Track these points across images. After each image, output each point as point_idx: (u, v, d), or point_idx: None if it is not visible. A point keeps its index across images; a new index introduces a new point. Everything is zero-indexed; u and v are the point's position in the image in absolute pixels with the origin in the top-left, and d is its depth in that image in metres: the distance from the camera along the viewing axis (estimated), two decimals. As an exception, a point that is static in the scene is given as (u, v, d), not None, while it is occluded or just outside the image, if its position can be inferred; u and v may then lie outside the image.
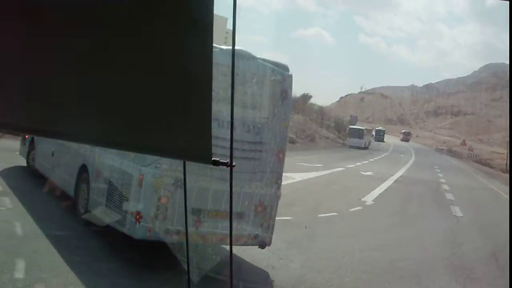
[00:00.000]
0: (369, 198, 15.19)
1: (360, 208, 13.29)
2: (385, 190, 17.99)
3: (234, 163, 1.39)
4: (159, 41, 1.21)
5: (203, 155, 1.30)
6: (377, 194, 16.45)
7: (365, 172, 25.16)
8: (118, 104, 1.29)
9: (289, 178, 18.28)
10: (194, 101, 1.24)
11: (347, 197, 15.13)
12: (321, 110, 74.26)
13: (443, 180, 25.98)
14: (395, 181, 22.42)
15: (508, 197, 13.52)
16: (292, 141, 47.74)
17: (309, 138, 52.67)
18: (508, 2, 1.27)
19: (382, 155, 46.53)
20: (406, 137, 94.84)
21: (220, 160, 1.31)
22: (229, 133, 5.61)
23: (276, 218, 7.14)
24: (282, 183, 7.20)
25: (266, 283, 6.71)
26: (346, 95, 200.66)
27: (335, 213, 11.94)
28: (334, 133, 68.85)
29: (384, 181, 21.59)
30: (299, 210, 11.63)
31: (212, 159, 1.28)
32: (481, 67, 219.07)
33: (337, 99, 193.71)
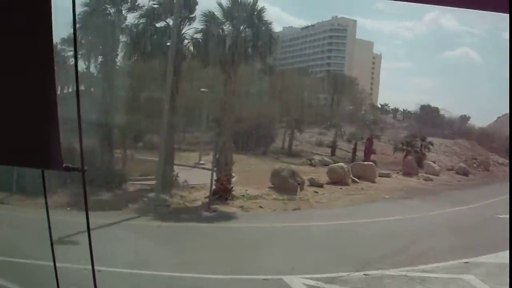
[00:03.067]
0: None
1: None
2: None
3: (86, 168, 1.38)
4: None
5: (55, 161, 1.27)
6: None
7: None
8: None
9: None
10: (38, 109, 1.17)
11: None
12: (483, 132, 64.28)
13: None
14: None
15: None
16: (465, 173, 39.76)
17: (482, 167, 44.11)
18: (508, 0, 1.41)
19: None
20: None
21: (72, 166, 1.33)
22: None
23: None
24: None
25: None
26: (503, 115, 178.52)
27: None
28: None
29: None
30: None
31: (64, 165, 1.30)
32: None
33: (494, 119, 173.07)
